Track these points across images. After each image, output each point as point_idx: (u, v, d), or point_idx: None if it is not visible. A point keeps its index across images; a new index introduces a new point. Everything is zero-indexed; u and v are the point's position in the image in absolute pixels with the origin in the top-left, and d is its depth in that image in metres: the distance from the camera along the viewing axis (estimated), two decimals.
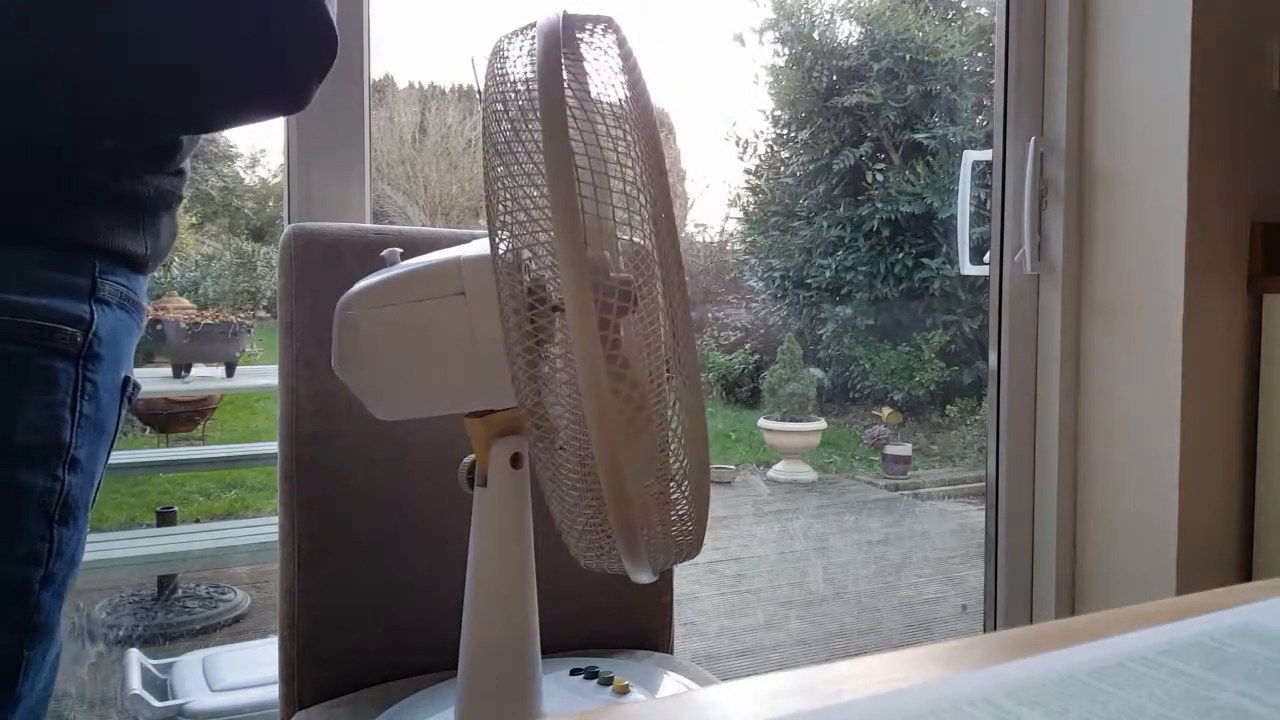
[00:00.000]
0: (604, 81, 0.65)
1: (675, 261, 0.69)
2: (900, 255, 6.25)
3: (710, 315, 6.75)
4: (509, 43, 0.68)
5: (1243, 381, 1.65)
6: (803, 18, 6.61)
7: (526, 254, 0.68)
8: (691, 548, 0.70)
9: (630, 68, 0.65)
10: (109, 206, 0.77)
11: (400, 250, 0.77)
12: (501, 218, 0.65)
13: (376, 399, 0.77)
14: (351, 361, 0.76)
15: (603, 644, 1.09)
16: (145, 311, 0.84)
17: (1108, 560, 1.71)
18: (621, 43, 0.66)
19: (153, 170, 0.80)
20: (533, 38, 0.68)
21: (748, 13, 6.81)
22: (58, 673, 0.78)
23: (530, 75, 0.68)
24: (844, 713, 0.34)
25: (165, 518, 3.45)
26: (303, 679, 0.99)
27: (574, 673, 0.94)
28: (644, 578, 0.67)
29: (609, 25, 0.66)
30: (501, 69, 0.67)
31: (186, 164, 0.86)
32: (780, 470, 5.64)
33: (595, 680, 0.92)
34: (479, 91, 0.73)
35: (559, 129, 0.59)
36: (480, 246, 0.73)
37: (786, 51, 6.64)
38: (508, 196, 0.65)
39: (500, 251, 0.66)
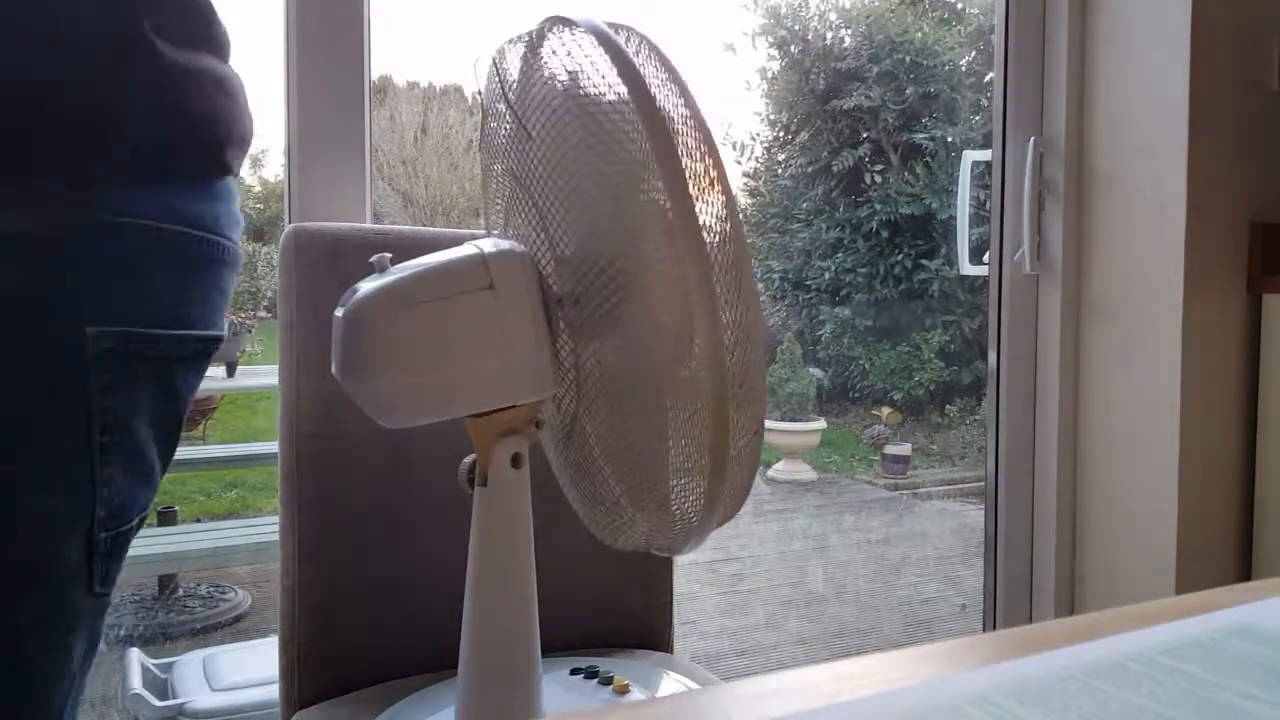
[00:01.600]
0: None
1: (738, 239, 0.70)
2: (899, 256, 6.25)
3: None
4: (512, 48, 0.70)
5: (1242, 381, 1.65)
6: (800, 18, 6.61)
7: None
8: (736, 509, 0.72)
9: (672, 68, 0.68)
10: None
11: (389, 255, 0.76)
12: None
13: (393, 404, 0.73)
14: (366, 366, 0.72)
15: (602, 643, 1.09)
16: None
17: (1107, 560, 1.71)
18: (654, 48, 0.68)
19: None
20: (523, 44, 0.71)
21: (739, 20, 6.83)
22: None
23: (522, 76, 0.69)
24: (843, 712, 0.34)
25: (165, 517, 3.45)
26: (303, 678, 1.00)
27: (574, 672, 0.94)
28: (690, 548, 0.70)
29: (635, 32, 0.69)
30: (507, 69, 0.69)
31: None
32: (780, 470, 5.64)
33: (595, 680, 0.92)
34: (480, 94, 0.75)
35: (660, 127, 0.62)
36: (494, 243, 0.75)
37: (783, 55, 6.64)
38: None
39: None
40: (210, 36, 0.78)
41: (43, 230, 0.68)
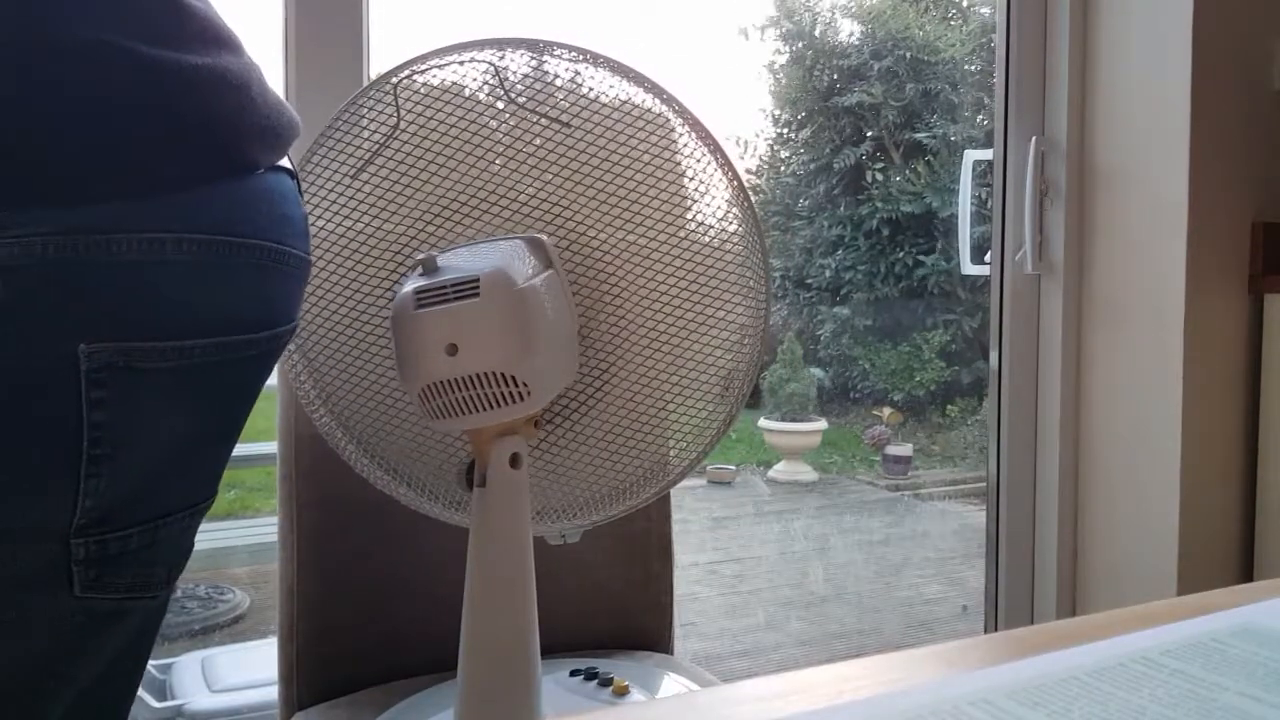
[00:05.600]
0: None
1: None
2: (900, 255, 6.25)
3: None
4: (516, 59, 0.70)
5: (1244, 381, 1.65)
6: (804, 15, 6.62)
7: None
8: None
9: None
10: None
11: (436, 255, 0.75)
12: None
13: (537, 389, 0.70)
14: (487, 353, 0.68)
15: (603, 645, 1.09)
16: None
17: (1109, 560, 1.70)
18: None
19: None
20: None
21: (751, 9, 6.82)
22: None
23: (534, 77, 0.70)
24: (844, 713, 0.34)
25: None
26: (302, 679, 0.99)
27: (574, 674, 0.94)
28: None
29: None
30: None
31: None
32: (780, 470, 5.63)
33: (595, 681, 0.92)
34: (398, 116, 0.79)
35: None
36: (506, 236, 0.79)
37: (787, 50, 6.65)
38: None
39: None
40: (193, 30, 0.77)
41: (29, 256, 0.67)
